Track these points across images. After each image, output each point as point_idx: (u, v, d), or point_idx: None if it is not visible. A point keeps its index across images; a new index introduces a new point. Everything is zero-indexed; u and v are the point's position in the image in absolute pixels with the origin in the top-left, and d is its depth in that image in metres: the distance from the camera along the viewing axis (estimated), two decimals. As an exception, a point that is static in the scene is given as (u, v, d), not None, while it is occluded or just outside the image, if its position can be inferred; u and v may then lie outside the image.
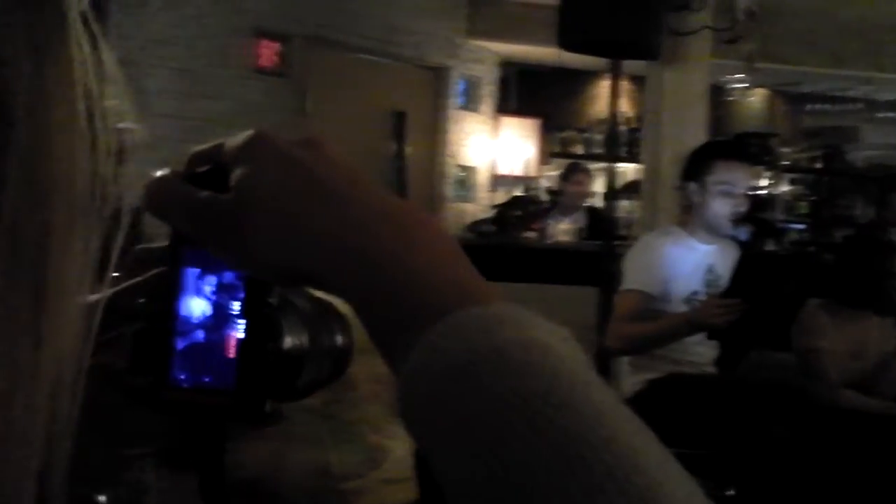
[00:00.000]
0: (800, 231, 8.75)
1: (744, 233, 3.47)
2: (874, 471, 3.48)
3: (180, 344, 0.49)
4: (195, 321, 0.49)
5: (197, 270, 0.50)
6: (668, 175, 3.65)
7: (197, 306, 0.50)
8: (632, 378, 3.41)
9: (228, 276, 0.50)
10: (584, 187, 6.40)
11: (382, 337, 0.48)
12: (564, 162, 6.95)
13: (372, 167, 6.09)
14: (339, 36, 5.79)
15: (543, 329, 0.47)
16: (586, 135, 8.50)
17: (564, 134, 8.37)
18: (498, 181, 7.03)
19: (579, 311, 4.75)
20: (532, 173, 7.31)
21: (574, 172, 6.43)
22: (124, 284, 0.50)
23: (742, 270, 3.04)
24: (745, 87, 7.32)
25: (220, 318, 0.49)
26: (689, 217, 3.47)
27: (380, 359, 1.06)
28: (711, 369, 3.47)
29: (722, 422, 3.16)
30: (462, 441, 0.42)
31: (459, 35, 6.57)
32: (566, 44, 4.02)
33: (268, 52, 5.58)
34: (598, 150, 7.89)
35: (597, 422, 0.43)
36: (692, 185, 3.41)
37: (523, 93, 8.45)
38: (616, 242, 4.17)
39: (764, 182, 8.74)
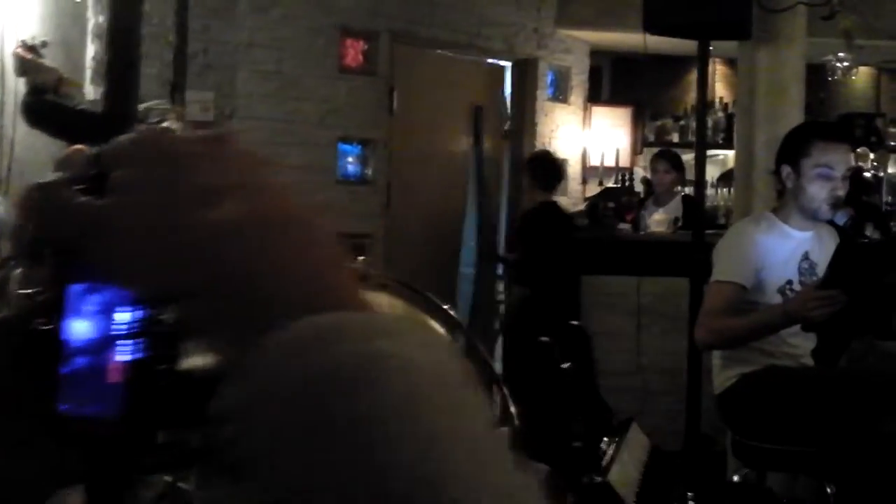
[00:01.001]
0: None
1: (842, 217, 3.28)
2: None
3: (64, 370, 0.43)
4: (79, 344, 0.43)
5: (80, 287, 0.44)
6: (763, 160, 3.49)
7: (80, 327, 0.44)
8: (724, 372, 3.28)
9: (114, 293, 0.44)
10: (672, 176, 6.22)
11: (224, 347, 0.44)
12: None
13: (457, 162, 6.03)
14: (425, 31, 5.75)
15: (400, 339, 0.43)
16: (682, 122, 8.30)
17: (659, 122, 8.20)
18: (590, 172, 6.90)
19: (672, 304, 4.63)
20: (625, 163, 7.15)
21: (661, 160, 6.27)
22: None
23: (841, 259, 2.87)
24: (847, 65, 7.01)
25: (105, 340, 0.43)
26: (785, 202, 3.32)
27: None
28: (809, 361, 3.32)
29: (824, 416, 3.02)
30: (275, 457, 0.40)
31: (548, 25, 6.46)
32: (652, 27, 3.90)
33: (353, 51, 5.57)
34: (699, 139, 7.68)
35: (422, 453, 0.40)
36: (788, 169, 3.26)
37: (617, 82, 8.31)
38: (707, 231, 4.01)
39: (868, 164, 8.42)
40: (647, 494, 1.88)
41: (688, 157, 7.27)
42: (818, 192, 3.20)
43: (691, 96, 7.94)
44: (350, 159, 5.56)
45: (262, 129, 5.14)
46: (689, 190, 7.43)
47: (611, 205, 6.22)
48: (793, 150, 3.27)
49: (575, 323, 2.37)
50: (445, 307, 1.39)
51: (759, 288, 3.19)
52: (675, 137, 8.14)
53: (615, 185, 6.83)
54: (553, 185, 5.80)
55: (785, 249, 3.24)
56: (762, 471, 3.39)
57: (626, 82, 8.18)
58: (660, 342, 4.82)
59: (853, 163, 3.33)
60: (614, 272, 5.59)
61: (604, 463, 1.87)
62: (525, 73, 6.40)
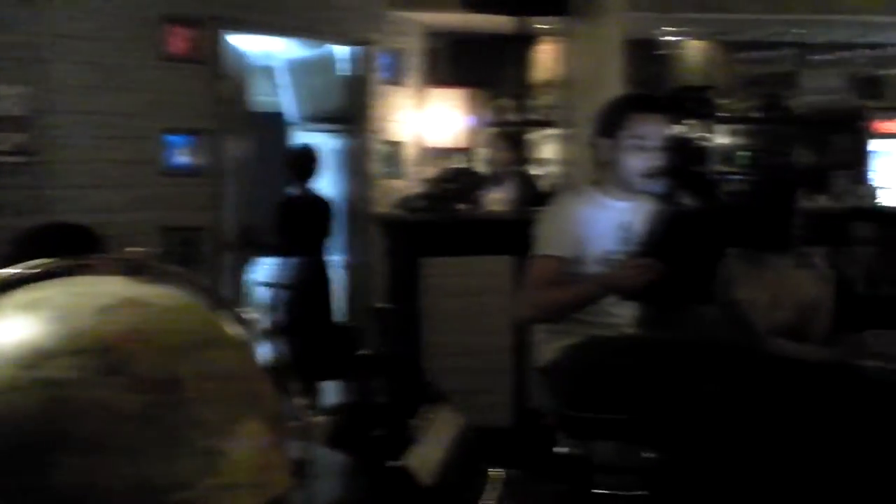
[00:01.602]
0: (737, 182, 8.71)
1: (659, 187, 3.32)
2: (811, 421, 3.41)
3: None
4: None
5: None
6: (586, 134, 3.52)
7: None
8: (547, 345, 3.30)
9: None
10: (511, 155, 6.27)
11: None
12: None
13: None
14: (255, 17, 5.60)
15: None
16: (526, 101, 8.37)
17: (499, 102, 8.24)
18: (428, 154, 6.88)
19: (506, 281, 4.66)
20: (463, 144, 7.16)
21: (498, 140, 6.31)
22: None
23: (655, 228, 2.91)
24: (678, 39, 7.19)
25: None
26: (604, 175, 3.35)
27: (210, 354, 0.90)
28: (633, 330, 3.36)
29: (643, 384, 3.06)
30: None
31: (381, 7, 6.40)
32: (470, 5, 3.89)
33: (179, 39, 5.39)
34: (536, 117, 7.76)
35: None
36: (605, 141, 3.29)
37: (457, 63, 8.30)
38: (533, 208, 4.04)
39: (699, 134, 8.68)
40: (452, 473, 1.86)
41: (529, 136, 7.39)
42: (635, 163, 3.24)
43: (533, 75, 8.02)
44: (178, 151, 5.39)
45: (82, 123, 4.95)
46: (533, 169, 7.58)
47: (451, 186, 6.21)
48: (609, 122, 3.30)
49: (383, 306, 2.31)
50: (229, 300, 1.32)
51: (581, 259, 3.20)
52: (519, 116, 8.19)
53: (455, 167, 6.82)
54: (308, 176, 6.01)
55: (605, 221, 3.26)
56: (587, 441, 3.43)
57: (465, 63, 8.18)
58: (496, 321, 4.83)
59: (669, 133, 3.37)
60: (453, 253, 5.59)
61: (406, 447, 1.83)
62: (359, 56, 6.32)
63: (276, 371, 1.39)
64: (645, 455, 3.45)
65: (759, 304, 3.64)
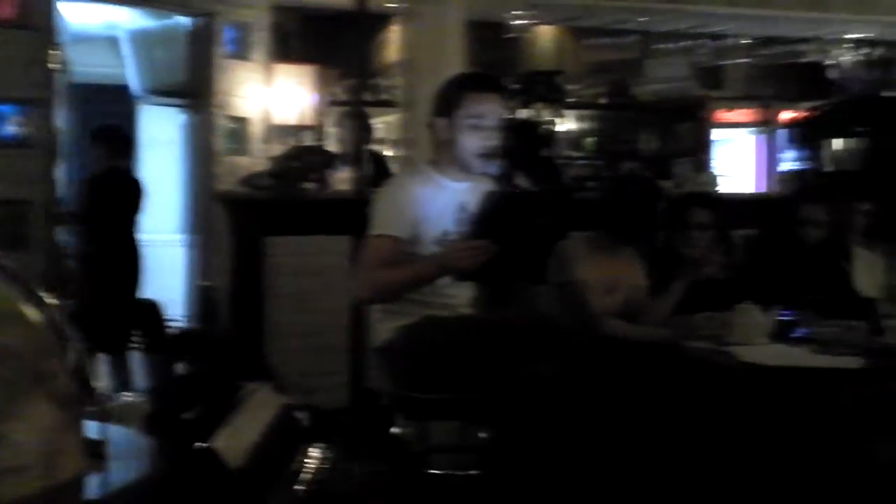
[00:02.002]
0: (582, 166, 8.89)
1: (495, 168, 3.33)
2: (639, 400, 3.49)
3: None
4: None
5: None
6: (426, 114, 3.49)
7: None
8: (383, 326, 3.27)
9: None
10: (360, 134, 6.19)
11: None
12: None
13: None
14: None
15: None
16: (375, 81, 8.31)
17: (349, 81, 8.15)
18: (275, 132, 6.74)
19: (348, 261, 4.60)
20: (311, 122, 7.05)
21: (347, 119, 6.24)
22: None
23: (487, 210, 2.91)
24: (525, 23, 7.25)
25: None
26: (441, 155, 3.33)
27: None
28: (468, 310, 3.37)
29: (477, 363, 3.06)
30: None
31: (224, -22, 6.24)
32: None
33: (5, 4, 5.12)
34: (388, 96, 7.72)
35: None
36: (442, 121, 3.27)
37: (307, 39, 8.17)
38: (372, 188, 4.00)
39: (546, 118, 8.80)
40: (265, 454, 1.81)
41: (379, 118, 7.34)
42: (471, 144, 3.23)
43: (386, 55, 7.97)
44: (6, 121, 5.13)
45: None
46: (383, 150, 7.53)
47: (296, 164, 6.11)
48: (446, 102, 3.28)
49: (206, 283, 2.23)
50: (24, 277, 1.24)
51: (417, 240, 3.19)
52: (368, 96, 8.14)
53: (302, 145, 6.71)
54: (117, 153, 5.95)
55: (441, 201, 3.25)
56: (423, 421, 3.43)
57: (314, 40, 8.06)
58: (338, 301, 4.78)
59: (506, 113, 3.38)
60: (299, 232, 5.51)
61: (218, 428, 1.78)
62: (201, 28, 6.14)
63: (71, 351, 1.31)
64: (481, 435, 3.48)
65: (594, 288, 3.71)
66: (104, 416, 1.36)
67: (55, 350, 1.24)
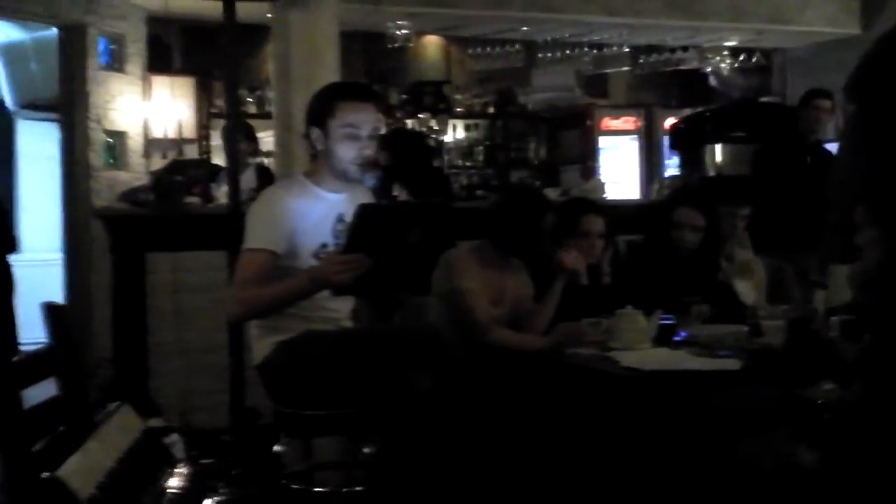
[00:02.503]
0: (471, 175, 8.93)
1: (371, 178, 3.29)
2: (524, 407, 3.49)
3: None
4: None
5: None
6: (301, 124, 3.43)
7: None
8: (262, 342, 3.19)
9: None
10: (244, 146, 6.08)
11: None
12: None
13: None
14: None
15: None
16: (259, 93, 8.20)
17: (232, 93, 7.99)
18: (153, 145, 6.57)
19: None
20: (190, 135, 6.90)
21: (230, 131, 6.11)
22: None
23: (360, 223, 2.85)
24: (406, 33, 7.24)
25: None
26: (317, 165, 3.27)
27: None
28: (349, 323, 3.31)
29: (357, 377, 3.01)
30: None
31: (97, -12, 6.06)
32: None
33: None
34: (269, 109, 7.61)
35: None
36: (316, 131, 3.21)
37: (188, 50, 8.00)
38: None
39: (433, 128, 8.82)
40: (118, 483, 1.72)
41: (266, 131, 7.23)
42: (346, 153, 3.17)
43: (269, 67, 7.85)
44: None
45: None
46: (270, 163, 7.41)
47: (178, 178, 5.96)
48: (320, 111, 3.22)
49: (55, 303, 2.14)
50: None
51: (294, 253, 3.11)
52: (253, 109, 8.03)
53: (183, 158, 6.57)
54: None
55: (318, 212, 3.19)
56: (306, 438, 3.36)
57: (195, 51, 7.90)
58: (218, 318, 4.68)
59: (379, 123, 3.33)
60: (182, 248, 5.37)
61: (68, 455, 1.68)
62: (73, 40, 5.94)
63: None
64: (365, 450, 3.42)
65: (482, 297, 3.69)
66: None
67: None
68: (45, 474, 1.57)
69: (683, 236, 4.31)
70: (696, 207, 4.37)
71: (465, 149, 9.42)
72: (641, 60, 8.96)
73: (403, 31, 7.21)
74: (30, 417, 1.77)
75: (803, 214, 5.28)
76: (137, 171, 6.22)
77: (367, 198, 3.28)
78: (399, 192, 3.65)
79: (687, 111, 8.72)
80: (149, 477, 1.88)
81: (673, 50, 8.85)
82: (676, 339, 3.65)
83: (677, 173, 8.00)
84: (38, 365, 1.85)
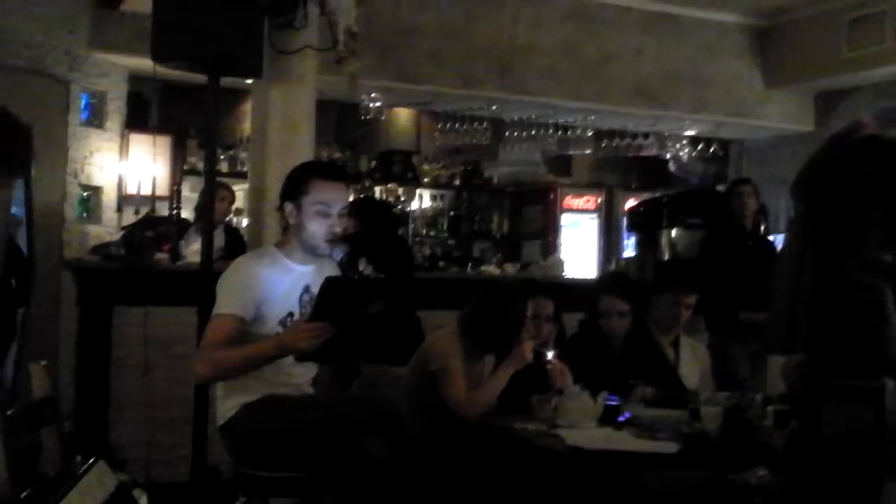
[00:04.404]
0: (435, 244, 9.12)
1: (339, 253, 3.47)
2: (480, 487, 3.64)
3: None
4: None
5: None
6: (274, 194, 3.62)
7: None
8: (226, 403, 3.34)
9: None
10: (216, 205, 6.23)
11: None
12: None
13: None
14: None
15: None
16: (232, 152, 8.39)
17: (207, 152, 8.16)
18: (127, 201, 6.72)
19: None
20: (163, 192, 7.05)
21: (203, 190, 6.27)
22: None
23: (326, 294, 3.04)
24: (378, 106, 7.48)
25: None
26: (288, 237, 3.44)
27: None
28: (309, 390, 3.47)
29: (312, 441, 3.16)
30: None
31: (81, 48, 6.23)
32: (161, 57, 3.89)
33: None
34: (244, 169, 7.77)
35: None
36: (290, 206, 3.39)
37: (168, 109, 8.18)
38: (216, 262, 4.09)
39: (400, 197, 9.02)
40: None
41: (239, 187, 7.39)
42: (317, 229, 3.35)
43: (245, 127, 8.05)
44: None
45: None
46: (237, 221, 7.57)
47: (148, 233, 6.09)
48: (294, 188, 3.40)
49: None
50: None
51: (261, 320, 3.27)
52: (225, 167, 8.20)
53: (154, 215, 6.70)
54: None
55: (286, 283, 3.35)
56: (263, 498, 3.48)
57: (175, 110, 8.08)
58: (183, 373, 4.80)
59: (348, 200, 3.53)
60: (150, 302, 5.49)
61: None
62: (56, 95, 6.11)
63: None
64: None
65: (460, 381, 3.88)
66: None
67: None
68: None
69: (610, 323, 4.50)
70: (619, 295, 4.57)
71: (430, 218, 9.61)
72: (604, 144, 9.23)
73: (376, 104, 7.45)
74: (18, 466, 1.92)
75: (748, 298, 5.54)
76: (110, 226, 6.36)
77: (334, 271, 3.45)
78: (364, 267, 3.83)
79: (646, 195, 9.00)
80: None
81: (634, 136, 9.14)
82: (620, 419, 3.82)
83: (634, 254, 8.25)
84: (32, 417, 2.00)
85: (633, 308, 4.52)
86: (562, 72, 7.61)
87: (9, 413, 1.91)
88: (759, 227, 6.32)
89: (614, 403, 3.87)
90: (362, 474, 3.10)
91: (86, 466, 2.10)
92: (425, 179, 9.49)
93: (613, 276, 6.88)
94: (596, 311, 4.54)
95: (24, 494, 1.88)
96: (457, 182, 9.70)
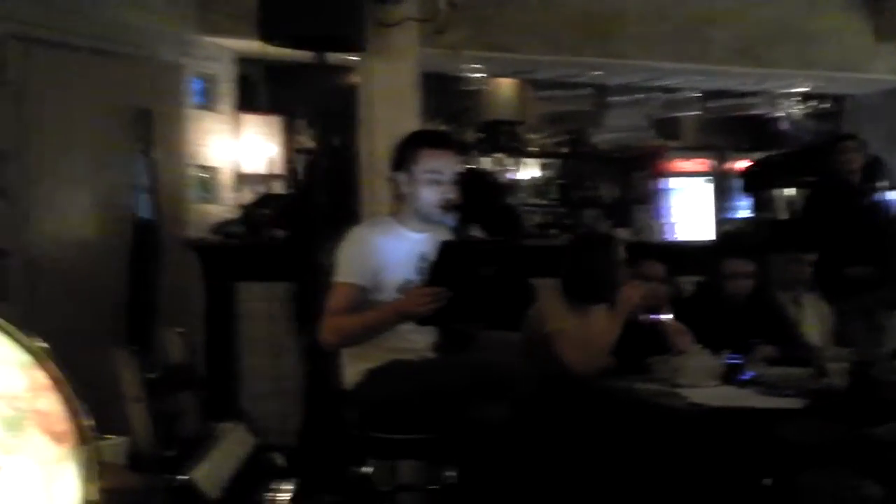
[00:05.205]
0: (545, 213, 9.09)
1: (451, 219, 3.52)
2: (600, 448, 3.65)
3: None
4: None
5: None
6: (385, 167, 3.68)
7: None
8: (351, 369, 3.42)
9: None
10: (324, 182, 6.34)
11: None
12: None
13: (118, 171, 5.80)
14: (56, 35, 5.48)
15: None
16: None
17: (317, 130, 8.29)
18: (243, 180, 6.88)
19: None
20: (277, 170, 7.21)
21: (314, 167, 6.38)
22: None
23: (441, 258, 3.09)
24: (480, 76, 7.49)
25: None
26: (402, 206, 3.50)
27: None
28: (430, 355, 3.52)
29: (439, 405, 3.21)
30: None
31: (190, 32, 6.37)
32: (269, 37, 3.99)
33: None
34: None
35: None
36: (401, 175, 3.45)
37: (276, 90, 8.34)
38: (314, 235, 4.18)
39: (507, 167, 9.02)
40: (238, 487, 1.95)
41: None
42: (430, 196, 3.41)
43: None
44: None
45: None
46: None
47: (266, 211, 6.25)
48: (404, 157, 3.46)
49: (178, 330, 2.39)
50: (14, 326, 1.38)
51: (379, 287, 3.35)
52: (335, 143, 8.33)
53: (271, 193, 6.86)
54: None
55: (402, 250, 3.42)
56: (391, 461, 3.57)
57: (282, 90, 8.23)
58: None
59: (459, 167, 3.57)
60: (269, 278, 5.65)
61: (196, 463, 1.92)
62: (169, 80, 6.27)
63: (65, 392, 1.45)
64: (447, 474, 3.62)
65: (572, 339, 3.89)
66: (92, 455, 1.51)
67: (45, 391, 1.36)
68: (180, 477, 1.80)
69: (736, 284, 4.44)
70: (743, 256, 4.50)
71: (539, 187, 9.59)
72: (711, 105, 9.07)
73: (478, 75, 7.46)
74: (160, 427, 2.01)
75: (863, 256, 5.41)
76: (228, 205, 6.53)
77: (447, 237, 3.50)
78: (475, 231, 3.89)
79: (758, 154, 8.81)
80: (261, 485, 2.11)
81: (742, 95, 8.96)
82: (743, 377, 3.79)
83: (749, 215, 8.09)
84: (171, 381, 2.10)
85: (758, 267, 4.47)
86: (661, 34, 7.47)
87: (150, 376, 2.01)
88: (872, 182, 6.09)
89: (737, 362, 3.83)
90: (484, 438, 3.15)
91: (224, 428, 2.18)
92: (531, 148, 9.46)
93: (736, 238, 6.77)
94: (719, 273, 4.48)
95: (168, 454, 1.97)
96: (563, 150, 9.64)
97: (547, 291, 4.09)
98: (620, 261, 4.06)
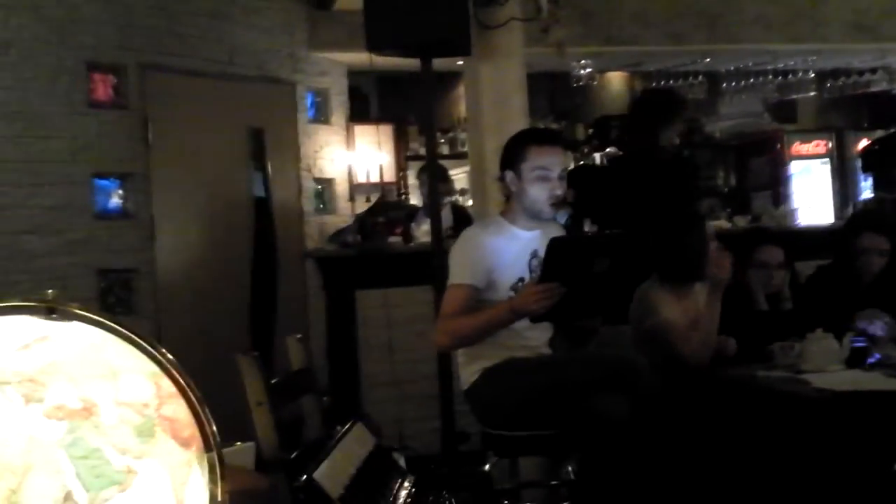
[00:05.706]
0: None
1: (563, 216, 3.53)
2: (722, 439, 3.60)
3: None
4: None
5: None
6: (493, 167, 3.72)
7: None
8: (468, 369, 3.46)
9: None
10: (441, 186, 6.43)
11: None
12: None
13: (235, 188, 6.01)
14: (175, 61, 5.72)
15: None
16: (451, 135, 8.60)
17: (425, 137, 8.40)
18: (357, 190, 7.04)
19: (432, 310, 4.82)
20: (389, 178, 7.35)
21: (426, 172, 6.47)
22: None
23: (553, 255, 3.10)
24: (589, 72, 7.47)
25: None
26: (511, 205, 3.53)
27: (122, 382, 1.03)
28: (546, 351, 3.54)
29: (557, 401, 3.23)
30: None
31: (302, 49, 6.56)
32: (375, 46, 4.07)
33: (103, 85, 5.49)
34: (463, 150, 7.97)
35: None
36: (510, 174, 3.48)
37: (384, 99, 8.51)
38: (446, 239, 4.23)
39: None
40: (359, 487, 2.02)
41: (462, 169, 7.60)
42: (539, 193, 3.43)
43: (460, 109, 8.25)
44: (108, 194, 5.49)
45: (9, 172, 5.02)
46: (463, 200, 7.77)
47: (380, 219, 6.36)
48: (512, 156, 3.49)
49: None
50: (142, 338, 1.46)
51: (493, 287, 3.38)
52: (445, 150, 8.43)
53: (384, 200, 6.99)
54: None
55: (514, 249, 3.45)
56: (512, 458, 3.60)
57: (392, 100, 8.40)
58: (429, 349, 5.01)
59: (567, 164, 3.58)
60: (386, 285, 5.77)
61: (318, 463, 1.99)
62: (284, 97, 6.46)
63: (191, 398, 1.53)
64: (568, 469, 3.64)
65: (677, 326, 3.83)
66: (221, 457, 1.58)
67: (178, 398, 1.44)
68: (303, 477, 1.88)
69: (870, 261, 4.32)
70: (880, 231, 4.37)
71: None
72: (829, 84, 8.83)
73: (587, 71, 7.45)
74: (285, 432, 2.09)
75: None
76: (344, 215, 6.68)
77: (559, 234, 3.52)
78: (589, 227, 3.88)
79: (879, 132, 8.54)
80: (383, 484, 2.17)
81: (861, 73, 8.69)
82: (869, 360, 3.69)
83: (871, 195, 7.85)
84: (293, 386, 2.18)
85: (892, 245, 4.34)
86: (772, 16, 7.32)
87: (273, 381, 2.09)
88: None
89: (862, 345, 3.74)
90: (604, 433, 3.15)
91: (346, 428, 2.25)
92: (644, 141, 9.32)
93: (872, 214, 6.55)
94: (851, 250, 4.37)
95: (292, 456, 2.05)
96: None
97: (644, 283, 4.04)
98: (711, 234, 3.99)
